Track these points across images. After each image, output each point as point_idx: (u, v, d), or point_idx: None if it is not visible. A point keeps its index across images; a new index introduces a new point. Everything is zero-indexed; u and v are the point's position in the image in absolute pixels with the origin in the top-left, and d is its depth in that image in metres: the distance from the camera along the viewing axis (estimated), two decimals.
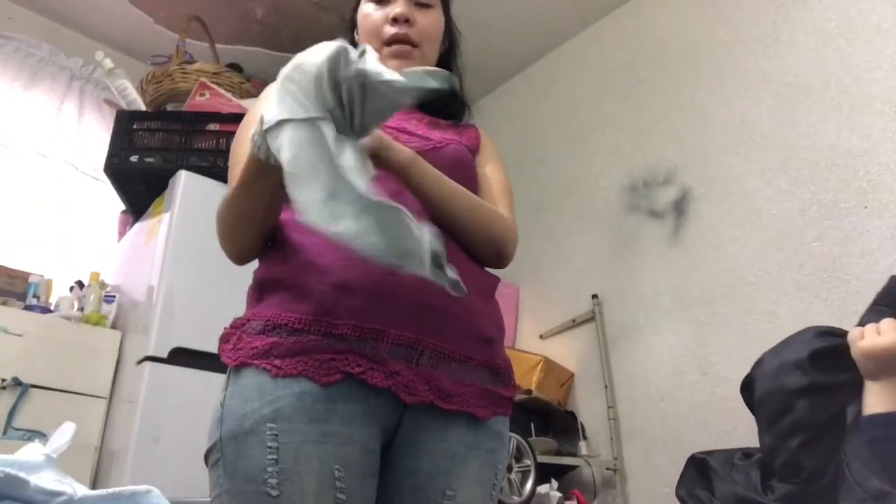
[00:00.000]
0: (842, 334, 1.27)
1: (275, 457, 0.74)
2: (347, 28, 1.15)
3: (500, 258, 0.99)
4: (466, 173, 1.00)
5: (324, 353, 0.78)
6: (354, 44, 1.12)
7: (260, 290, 0.87)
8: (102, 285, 2.31)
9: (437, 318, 0.84)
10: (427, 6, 1.08)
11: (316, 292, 0.81)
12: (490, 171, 1.09)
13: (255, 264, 0.94)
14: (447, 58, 1.16)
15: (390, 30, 1.03)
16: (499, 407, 0.90)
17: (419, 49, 1.05)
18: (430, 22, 1.07)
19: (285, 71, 0.69)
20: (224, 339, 0.86)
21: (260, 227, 0.89)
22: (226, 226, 0.90)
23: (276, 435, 0.75)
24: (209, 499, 0.81)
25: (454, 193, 0.93)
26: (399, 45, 1.04)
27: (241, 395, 0.79)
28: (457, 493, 0.83)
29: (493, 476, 0.88)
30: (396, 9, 1.04)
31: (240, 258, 0.93)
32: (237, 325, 0.85)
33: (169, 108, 2.52)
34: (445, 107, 1.13)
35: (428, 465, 0.83)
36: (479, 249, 0.96)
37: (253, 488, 0.74)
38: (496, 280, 0.98)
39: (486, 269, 0.99)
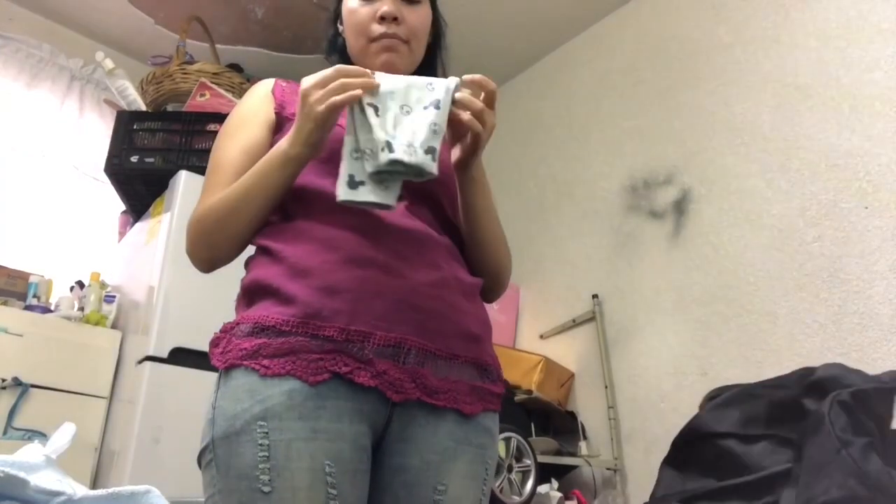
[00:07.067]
0: None
1: (266, 454, 0.75)
2: (331, 20, 1.14)
3: (494, 293, 1.06)
4: (447, 192, 0.99)
5: (311, 354, 0.80)
6: (339, 35, 1.11)
7: (249, 297, 0.89)
8: (103, 285, 2.31)
9: (423, 318, 0.85)
10: (415, 1, 1.05)
11: (302, 296, 0.82)
12: None
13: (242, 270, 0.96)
14: (432, 50, 1.14)
15: (378, 28, 1.01)
16: (488, 403, 0.91)
17: (407, 45, 1.04)
18: (418, 18, 1.05)
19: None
20: (214, 343, 0.87)
21: (252, 227, 0.92)
22: (214, 227, 0.91)
23: (267, 433, 0.76)
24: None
25: (494, 220, 1.00)
26: (388, 40, 1.02)
27: (232, 396, 0.80)
28: (448, 488, 0.84)
29: (483, 471, 0.89)
30: (384, 7, 1.01)
31: (213, 264, 0.95)
32: (226, 330, 0.86)
33: (169, 108, 2.52)
34: None
35: (418, 461, 0.84)
36: (481, 273, 1.00)
37: (245, 485, 0.75)
38: (479, 281, 0.99)
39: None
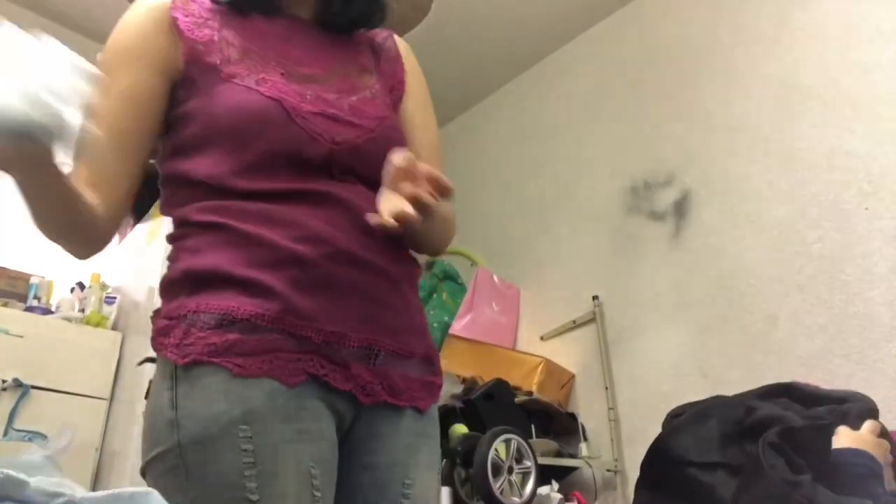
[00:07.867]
0: None
1: (251, 460, 0.70)
2: None
3: (437, 254, 1.04)
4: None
5: (290, 353, 0.76)
6: None
7: (199, 282, 0.79)
8: (103, 287, 2.31)
9: (391, 316, 0.84)
10: None
11: (275, 289, 0.76)
12: (421, 128, 0.97)
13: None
14: None
15: None
16: (434, 396, 0.92)
17: None
18: None
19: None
20: (162, 331, 0.78)
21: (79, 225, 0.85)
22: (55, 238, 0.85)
23: (251, 437, 0.71)
24: None
25: (444, 225, 0.94)
26: None
27: (202, 396, 0.73)
28: (414, 482, 0.84)
29: (438, 460, 0.91)
30: None
31: (86, 256, 0.91)
32: (177, 317, 0.77)
33: None
34: (362, 19, 0.98)
35: (386, 459, 0.83)
36: (424, 251, 0.97)
37: (229, 495, 0.70)
38: (420, 269, 0.97)
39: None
